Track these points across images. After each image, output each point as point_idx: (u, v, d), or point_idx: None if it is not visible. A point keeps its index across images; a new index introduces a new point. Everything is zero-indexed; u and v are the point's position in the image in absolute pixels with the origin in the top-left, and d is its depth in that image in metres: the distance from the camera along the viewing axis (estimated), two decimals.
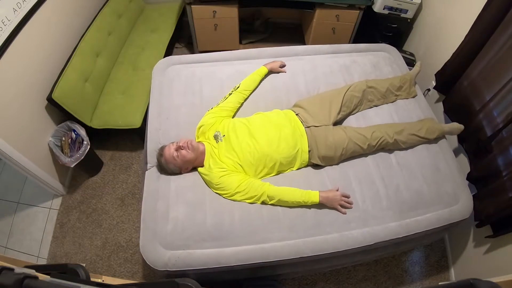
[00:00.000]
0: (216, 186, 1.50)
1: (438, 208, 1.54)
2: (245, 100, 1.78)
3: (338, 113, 1.70)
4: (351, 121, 1.81)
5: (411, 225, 1.48)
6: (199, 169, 1.57)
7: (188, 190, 1.53)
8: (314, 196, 1.45)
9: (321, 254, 1.39)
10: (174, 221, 1.42)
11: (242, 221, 1.42)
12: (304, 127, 1.62)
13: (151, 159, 1.65)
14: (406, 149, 1.69)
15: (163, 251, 1.35)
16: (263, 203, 1.49)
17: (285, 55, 1.96)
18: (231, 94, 1.73)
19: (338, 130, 1.62)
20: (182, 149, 1.50)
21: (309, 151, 1.60)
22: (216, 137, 1.59)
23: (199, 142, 1.63)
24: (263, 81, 1.85)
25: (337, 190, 1.49)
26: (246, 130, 1.58)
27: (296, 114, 1.67)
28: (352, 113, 1.81)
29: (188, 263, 1.32)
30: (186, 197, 1.50)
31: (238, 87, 1.75)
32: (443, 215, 1.52)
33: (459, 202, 1.56)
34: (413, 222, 1.49)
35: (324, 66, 1.92)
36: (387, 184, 1.57)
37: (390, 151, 1.69)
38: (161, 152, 1.57)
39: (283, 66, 1.89)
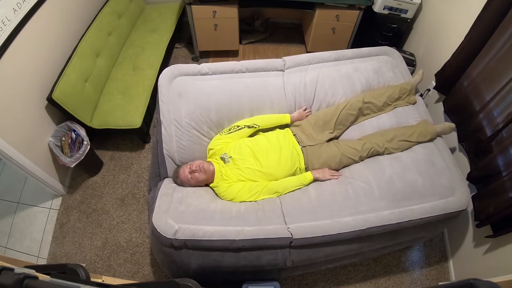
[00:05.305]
0: (223, 195, 1.67)
1: (433, 199, 1.56)
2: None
3: (332, 133, 1.82)
4: (347, 129, 1.90)
5: (404, 213, 1.51)
6: (210, 184, 1.75)
7: (203, 191, 1.70)
8: (308, 175, 1.67)
9: (314, 238, 1.45)
10: (187, 205, 1.55)
11: (247, 210, 1.57)
12: (300, 147, 1.74)
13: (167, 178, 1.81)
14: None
15: (173, 223, 1.43)
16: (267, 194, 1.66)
17: (290, 66, 1.94)
18: (242, 128, 1.78)
19: (332, 147, 1.75)
20: (195, 172, 1.67)
21: (305, 167, 1.73)
22: (223, 159, 1.72)
23: (209, 162, 1.75)
24: (266, 102, 1.85)
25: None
26: (250, 151, 1.70)
27: (294, 135, 1.78)
28: (348, 127, 1.90)
29: (195, 233, 1.40)
30: (200, 193, 1.67)
31: (252, 125, 1.79)
32: (438, 205, 1.54)
33: (455, 194, 1.58)
34: (407, 210, 1.52)
35: (326, 77, 1.91)
36: (379, 176, 1.62)
37: None
38: (176, 174, 1.72)
39: (308, 112, 1.89)
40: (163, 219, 1.45)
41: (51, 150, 2.08)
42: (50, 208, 2.25)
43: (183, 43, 3.21)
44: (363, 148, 1.71)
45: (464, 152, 1.86)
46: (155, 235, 1.43)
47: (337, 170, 1.74)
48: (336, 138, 1.87)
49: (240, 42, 3.15)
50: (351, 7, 2.55)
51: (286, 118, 1.84)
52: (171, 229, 1.41)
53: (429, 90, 2.23)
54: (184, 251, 1.43)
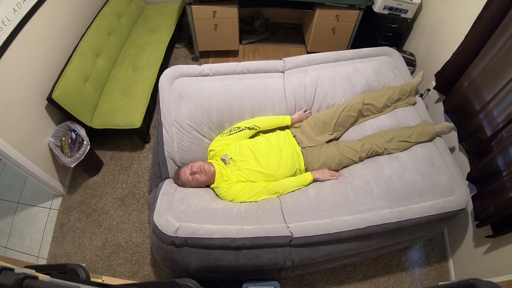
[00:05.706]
0: (224, 196, 1.68)
1: (432, 198, 1.56)
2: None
3: (331, 134, 1.82)
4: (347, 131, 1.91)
5: (404, 212, 1.52)
6: (211, 185, 1.76)
7: (203, 191, 1.72)
8: (308, 176, 1.67)
9: (314, 236, 1.46)
10: (188, 204, 1.56)
11: (247, 210, 1.58)
12: (300, 148, 1.75)
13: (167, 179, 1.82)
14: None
15: (174, 221, 1.44)
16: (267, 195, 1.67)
17: (291, 67, 1.94)
18: (243, 129, 1.78)
19: (332, 148, 1.76)
20: (196, 174, 1.68)
21: (305, 168, 1.74)
22: (224, 160, 1.73)
23: (210, 163, 1.75)
24: (267, 104, 1.86)
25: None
26: (250, 153, 1.71)
27: (294, 136, 1.79)
28: (348, 129, 1.90)
29: (196, 231, 1.42)
30: (201, 193, 1.68)
31: (252, 127, 1.79)
32: (437, 204, 1.55)
33: (454, 193, 1.58)
34: (406, 209, 1.53)
35: (326, 79, 1.91)
36: (378, 175, 1.63)
37: None
38: (177, 176, 1.73)
39: (308, 113, 1.90)
40: (164, 217, 1.46)
41: (51, 150, 2.08)
42: (50, 208, 2.25)
43: (183, 43, 3.21)
44: (362, 149, 1.72)
45: (464, 152, 1.86)
46: (156, 233, 1.44)
47: (337, 170, 1.74)
48: (336, 139, 1.87)
49: (240, 42, 3.15)
50: (351, 7, 2.55)
51: (286, 120, 1.84)
52: (172, 227, 1.42)
53: (429, 90, 2.23)
54: (185, 249, 1.44)
